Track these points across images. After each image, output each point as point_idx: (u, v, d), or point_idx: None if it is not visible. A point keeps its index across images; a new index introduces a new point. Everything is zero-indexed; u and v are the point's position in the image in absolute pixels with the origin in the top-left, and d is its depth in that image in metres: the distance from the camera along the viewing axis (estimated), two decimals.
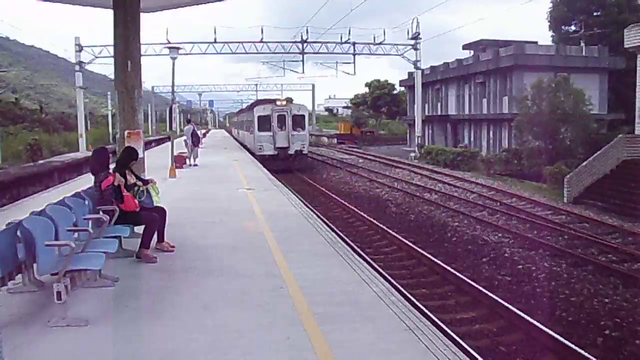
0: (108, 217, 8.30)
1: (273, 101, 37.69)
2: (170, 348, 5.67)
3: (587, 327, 10.13)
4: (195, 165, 27.40)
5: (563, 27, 57.85)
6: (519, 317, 9.93)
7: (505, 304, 10.51)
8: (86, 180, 17.19)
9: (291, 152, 35.16)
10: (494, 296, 10.98)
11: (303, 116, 36.73)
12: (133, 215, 9.05)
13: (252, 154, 36.70)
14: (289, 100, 41.50)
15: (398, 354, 5.56)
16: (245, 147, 44.91)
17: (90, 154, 37.98)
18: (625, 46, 26.83)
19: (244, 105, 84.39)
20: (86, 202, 8.68)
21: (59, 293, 6.13)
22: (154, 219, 9.20)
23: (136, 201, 9.20)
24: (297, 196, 18.72)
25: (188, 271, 8.52)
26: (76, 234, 7.56)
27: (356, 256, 9.53)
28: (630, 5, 52.56)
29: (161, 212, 9.68)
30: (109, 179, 8.73)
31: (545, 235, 17.01)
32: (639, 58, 25.85)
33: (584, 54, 44.84)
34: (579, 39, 49.39)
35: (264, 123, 35.53)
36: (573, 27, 56.74)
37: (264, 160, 32.15)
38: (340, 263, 8.95)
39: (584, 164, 24.75)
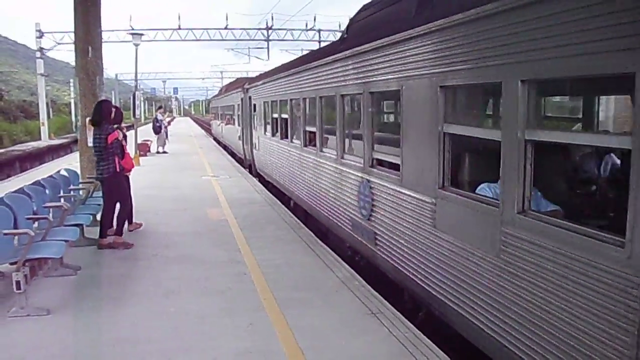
0: (69, 205, 8.23)
1: None
2: (131, 335, 5.64)
3: None
4: (165, 152, 27.09)
5: None
6: None
7: None
8: (48, 169, 16.99)
9: None
10: None
11: None
12: (119, 182, 9.09)
13: None
14: None
15: (361, 338, 5.60)
16: None
17: (53, 142, 37.46)
18: None
19: (210, 94, 73.96)
20: (47, 191, 8.58)
21: (18, 282, 6.06)
22: (129, 199, 9.36)
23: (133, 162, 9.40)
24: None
25: (150, 259, 8.48)
26: (36, 223, 7.48)
27: (320, 242, 9.56)
28: None
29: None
30: (115, 133, 8.77)
31: None
32: None
33: None
34: None
35: None
36: None
37: None
38: (304, 249, 8.99)
39: None
